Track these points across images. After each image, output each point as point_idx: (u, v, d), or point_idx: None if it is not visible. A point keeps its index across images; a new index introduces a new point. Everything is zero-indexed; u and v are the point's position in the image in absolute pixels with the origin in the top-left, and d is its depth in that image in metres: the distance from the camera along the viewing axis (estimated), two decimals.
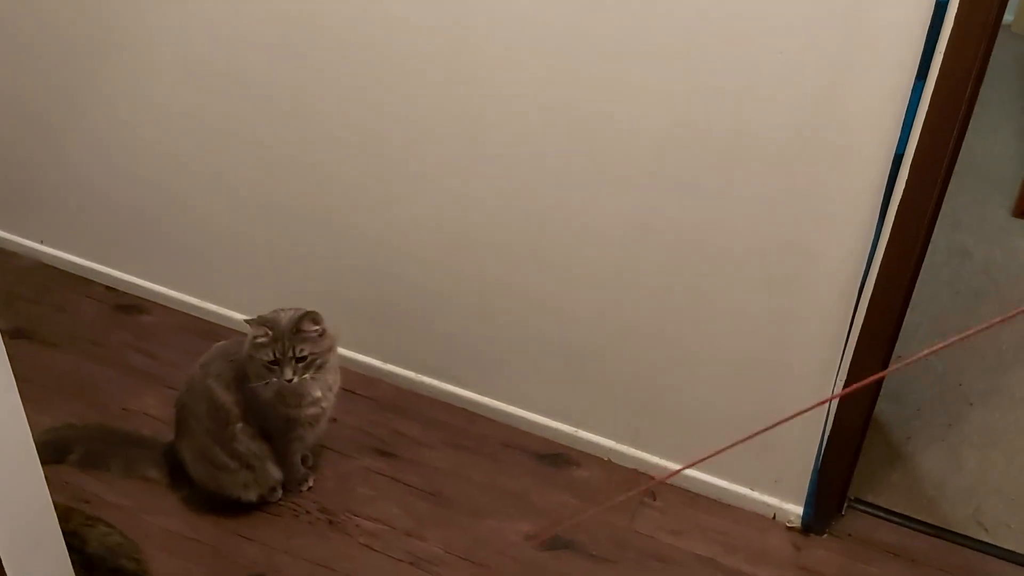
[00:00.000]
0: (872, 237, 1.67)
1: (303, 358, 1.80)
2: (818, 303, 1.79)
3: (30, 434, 1.04)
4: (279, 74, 2.07)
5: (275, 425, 1.90)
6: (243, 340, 1.89)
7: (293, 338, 1.80)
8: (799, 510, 2.02)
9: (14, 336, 2.36)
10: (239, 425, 1.87)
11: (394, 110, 1.98)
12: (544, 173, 1.91)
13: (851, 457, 1.96)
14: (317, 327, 1.84)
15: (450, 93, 1.91)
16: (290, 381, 1.79)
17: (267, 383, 1.81)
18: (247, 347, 1.84)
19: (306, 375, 1.82)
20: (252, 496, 1.95)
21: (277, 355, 1.79)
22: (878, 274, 1.71)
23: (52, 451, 1.99)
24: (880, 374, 1.77)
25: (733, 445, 1.41)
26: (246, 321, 1.85)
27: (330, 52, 1.98)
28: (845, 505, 2.07)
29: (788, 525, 2.04)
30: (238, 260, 2.39)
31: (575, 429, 2.19)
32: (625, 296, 1.97)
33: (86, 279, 2.62)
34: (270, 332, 1.80)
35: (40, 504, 1.14)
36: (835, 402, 1.87)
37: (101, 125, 2.37)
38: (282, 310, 1.87)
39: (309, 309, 1.85)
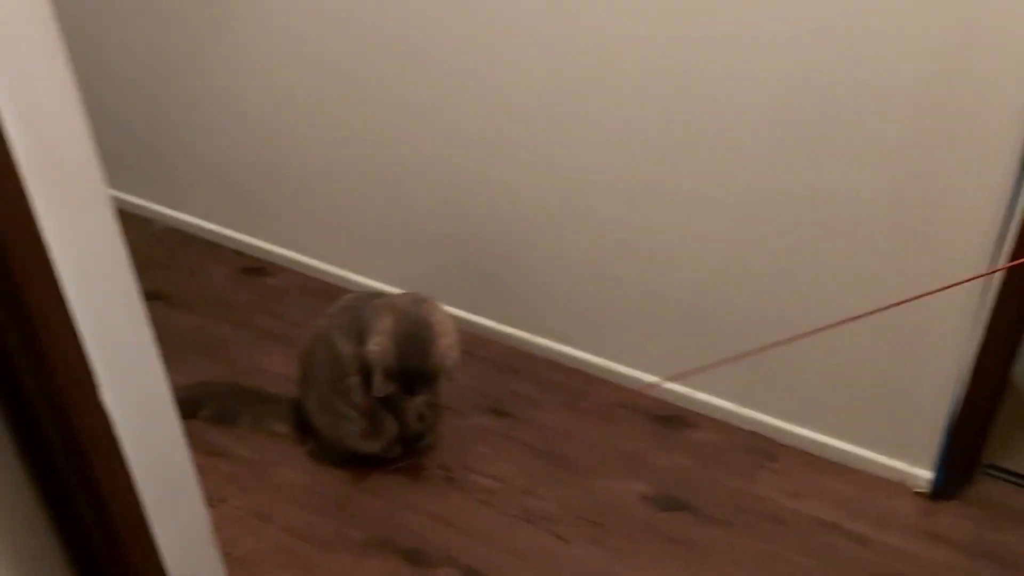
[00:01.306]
0: (1012, 186, 1.58)
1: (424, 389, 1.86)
2: (952, 260, 1.70)
3: (170, 391, 1.09)
4: (390, 46, 2.09)
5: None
6: (369, 295, 1.94)
7: (417, 369, 1.82)
8: (928, 475, 1.94)
9: (149, 298, 2.42)
10: (354, 379, 1.90)
11: (510, 75, 1.98)
12: (659, 132, 1.87)
13: (985, 420, 1.87)
14: (442, 367, 1.85)
15: (562, 55, 1.89)
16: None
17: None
18: (370, 355, 1.84)
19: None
20: (373, 448, 1.99)
21: (400, 386, 1.83)
22: (1022, 224, 1.60)
23: (184, 407, 2.05)
24: None
25: None
26: (370, 349, 1.83)
27: (450, 15, 1.99)
28: (977, 470, 1.98)
29: (916, 490, 1.97)
30: (358, 224, 2.44)
31: (691, 391, 2.16)
32: (743, 254, 1.92)
33: (214, 243, 2.73)
34: (393, 365, 1.81)
35: (179, 458, 1.19)
36: (968, 361, 1.78)
37: (229, 96, 2.45)
38: (403, 314, 1.86)
39: (436, 321, 1.85)
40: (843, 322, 1.67)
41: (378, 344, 1.81)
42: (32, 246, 0.85)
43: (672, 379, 2.11)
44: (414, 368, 1.81)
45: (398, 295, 2.03)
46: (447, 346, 1.84)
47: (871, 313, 1.61)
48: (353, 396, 1.92)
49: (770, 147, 1.78)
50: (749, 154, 1.81)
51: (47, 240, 0.85)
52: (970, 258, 1.68)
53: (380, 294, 2.01)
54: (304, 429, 2.06)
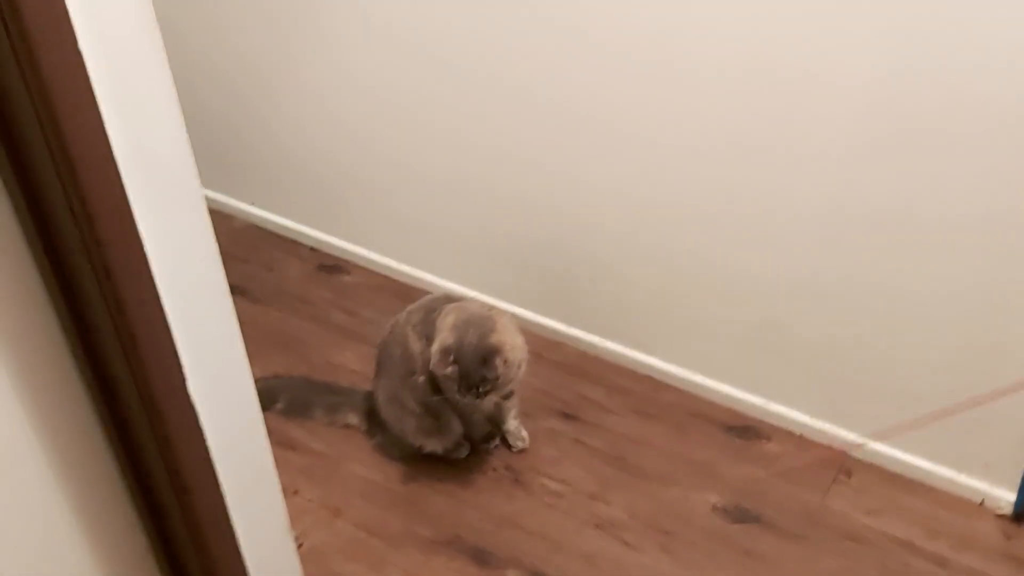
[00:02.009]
0: None
1: (487, 388, 1.81)
2: None
3: (253, 383, 1.12)
4: (474, 49, 2.10)
5: (441, 382, 1.90)
6: (448, 297, 1.96)
7: (479, 371, 1.79)
8: (1011, 496, 1.88)
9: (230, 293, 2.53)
10: (420, 378, 1.91)
11: (582, 79, 1.97)
12: (735, 139, 1.85)
13: None
14: (502, 361, 1.80)
15: (635, 58, 1.88)
16: (477, 399, 1.82)
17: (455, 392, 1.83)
18: (432, 362, 1.84)
19: (490, 396, 1.84)
20: (436, 447, 2.01)
21: (462, 389, 1.80)
22: None
23: (260, 400, 2.11)
24: None
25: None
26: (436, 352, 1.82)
27: (523, 25, 1.99)
28: None
29: (998, 512, 1.90)
30: (434, 225, 2.46)
31: (766, 401, 2.12)
32: (822, 263, 1.88)
33: (292, 240, 2.78)
34: (456, 365, 1.79)
35: (260, 449, 1.22)
36: None
37: (313, 94, 2.49)
38: (469, 320, 1.84)
39: (496, 332, 1.82)
40: None
41: (441, 343, 1.82)
42: (128, 240, 0.87)
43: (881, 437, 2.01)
44: (473, 368, 1.79)
45: (471, 300, 2.04)
46: (510, 347, 1.83)
47: None
48: (419, 393, 1.94)
49: (855, 157, 1.74)
50: (832, 164, 1.77)
51: (142, 234, 0.88)
52: None
53: (460, 297, 2.02)
54: (375, 421, 2.08)
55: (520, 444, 2.08)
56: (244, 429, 1.12)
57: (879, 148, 1.70)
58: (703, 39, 1.78)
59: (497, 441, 2.08)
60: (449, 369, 1.80)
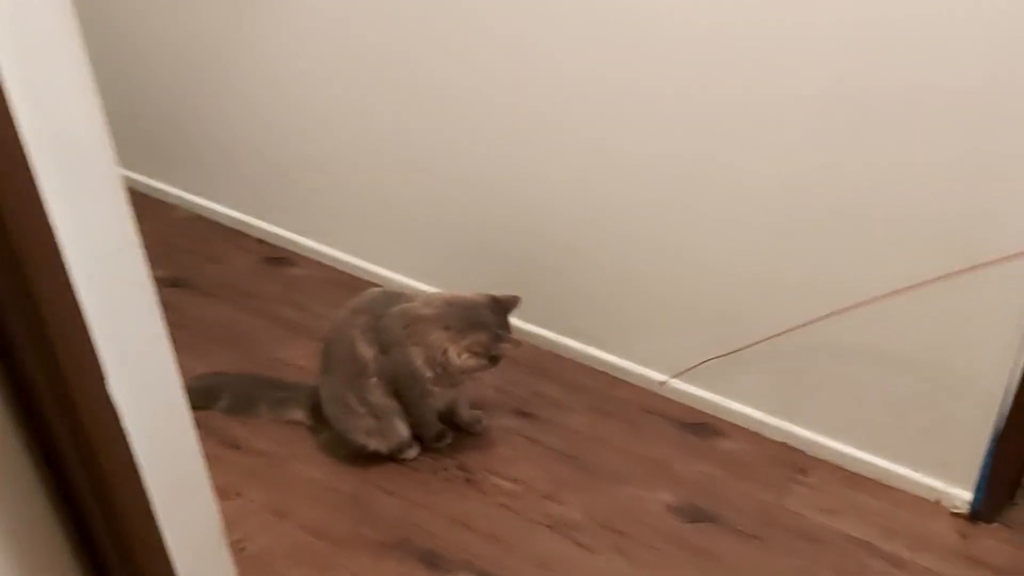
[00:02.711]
0: None
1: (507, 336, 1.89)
2: (1001, 272, 1.63)
3: (181, 384, 1.05)
4: (423, 37, 2.04)
5: (408, 387, 1.90)
6: (388, 298, 1.90)
7: (503, 325, 1.89)
8: (966, 495, 1.87)
9: (171, 285, 2.44)
10: (373, 380, 1.89)
11: (538, 64, 1.92)
12: (695, 127, 1.81)
13: None
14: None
15: (592, 46, 1.83)
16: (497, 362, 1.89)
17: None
18: (459, 364, 1.85)
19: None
20: (379, 447, 1.95)
21: (493, 348, 1.86)
22: None
23: (202, 397, 2.05)
24: None
25: None
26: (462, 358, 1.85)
27: (476, 11, 1.93)
28: (1018, 492, 1.90)
29: (953, 511, 1.89)
30: (384, 217, 2.40)
31: (721, 397, 2.09)
32: (781, 258, 1.85)
33: (238, 231, 2.70)
34: (482, 332, 1.85)
35: (190, 453, 1.15)
36: (1015, 379, 1.70)
37: (254, 81, 2.41)
38: (451, 302, 1.89)
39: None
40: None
41: (462, 343, 1.84)
42: (38, 226, 0.80)
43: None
44: (499, 324, 1.88)
45: (411, 294, 1.96)
46: None
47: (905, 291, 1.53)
48: (369, 395, 1.89)
49: (816, 151, 1.71)
50: (787, 158, 1.74)
51: (54, 221, 0.80)
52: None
53: (400, 295, 1.96)
54: (321, 418, 2.02)
55: (482, 422, 2.06)
56: (173, 431, 1.05)
57: (840, 143, 1.68)
58: (662, 27, 1.74)
59: (450, 438, 2.03)
60: (479, 350, 1.84)
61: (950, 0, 1.47)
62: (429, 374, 1.86)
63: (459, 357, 1.84)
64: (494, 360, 1.87)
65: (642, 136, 1.88)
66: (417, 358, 1.85)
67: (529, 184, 2.10)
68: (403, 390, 1.90)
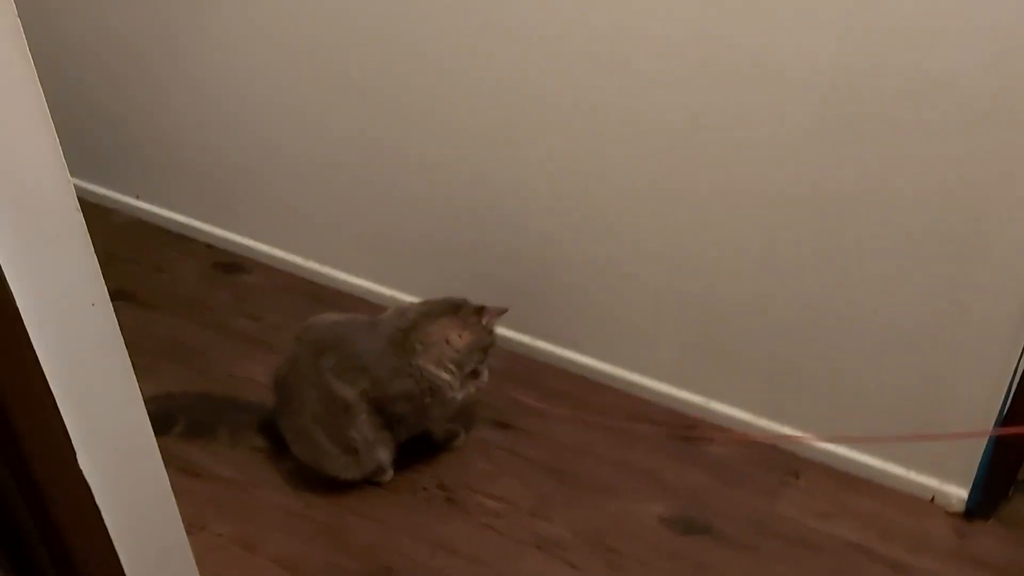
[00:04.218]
0: None
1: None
2: (1001, 271, 1.57)
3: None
4: (391, 22, 1.91)
5: (427, 407, 1.79)
6: (358, 325, 1.79)
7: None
8: (961, 493, 1.83)
9: (114, 298, 2.26)
10: (362, 417, 1.76)
11: (514, 63, 1.81)
12: (680, 125, 1.72)
13: None
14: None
15: (573, 42, 1.72)
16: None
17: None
18: (456, 343, 1.77)
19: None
20: (355, 476, 1.83)
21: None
22: None
23: (156, 422, 1.88)
24: None
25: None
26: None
27: (441, 6, 1.81)
28: (1014, 488, 1.86)
29: (948, 510, 1.84)
30: (342, 219, 2.26)
31: (707, 400, 2.02)
32: (769, 257, 1.78)
33: (184, 236, 2.53)
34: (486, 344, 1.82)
35: (158, 492, 1.03)
36: (1014, 375, 1.66)
37: (198, 77, 2.26)
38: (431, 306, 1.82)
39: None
40: None
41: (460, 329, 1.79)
42: None
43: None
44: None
45: (390, 325, 1.82)
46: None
47: None
48: (354, 432, 1.77)
49: (802, 149, 1.63)
50: (779, 157, 1.66)
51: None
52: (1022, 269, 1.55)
53: (352, 319, 1.85)
54: (284, 444, 1.88)
55: (460, 436, 1.97)
56: (137, 469, 0.93)
57: (828, 145, 1.60)
58: (643, 25, 1.64)
59: (461, 439, 1.97)
60: (473, 320, 1.80)
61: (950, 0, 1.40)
62: (446, 376, 1.76)
63: (460, 338, 1.77)
64: (490, 332, 1.81)
65: (620, 136, 1.78)
66: (432, 367, 1.75)
67: (499, 181, 1.99)
68: (422, 410, 1.79)
